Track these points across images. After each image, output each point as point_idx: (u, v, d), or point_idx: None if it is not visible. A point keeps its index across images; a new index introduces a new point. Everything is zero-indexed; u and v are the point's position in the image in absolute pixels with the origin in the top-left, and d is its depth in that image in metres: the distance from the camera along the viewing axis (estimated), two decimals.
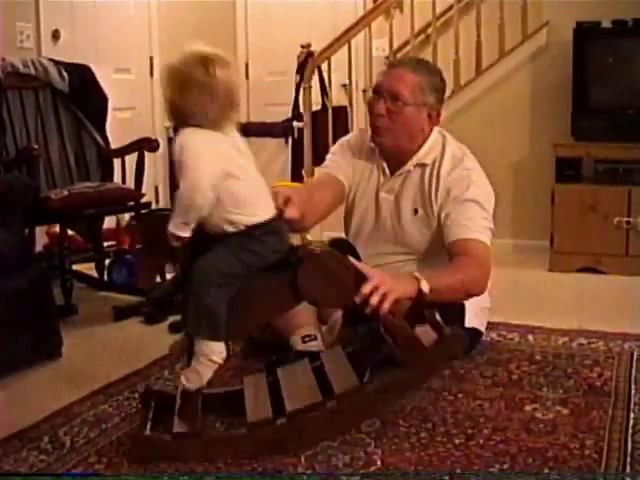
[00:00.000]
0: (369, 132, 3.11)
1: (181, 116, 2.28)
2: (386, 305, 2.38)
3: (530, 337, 3.42)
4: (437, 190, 2.98)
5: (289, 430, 2.36)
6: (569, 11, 5.09)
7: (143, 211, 2.41)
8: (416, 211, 3.03)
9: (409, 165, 3.04)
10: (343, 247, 2.56)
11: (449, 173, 2.98)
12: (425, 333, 2.58)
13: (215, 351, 2.31)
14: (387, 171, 3.09)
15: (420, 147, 3.02)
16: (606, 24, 4.92)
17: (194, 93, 2.24)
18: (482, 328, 3.18)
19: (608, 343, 3.32)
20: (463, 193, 2.92)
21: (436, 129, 3.06)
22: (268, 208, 2.39)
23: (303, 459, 2.29)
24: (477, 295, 2.85)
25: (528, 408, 2.65)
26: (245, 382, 2.60)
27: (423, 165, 3.03)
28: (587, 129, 4.91)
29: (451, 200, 2.94)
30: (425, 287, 2.52)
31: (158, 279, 4.23)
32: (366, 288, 2.37)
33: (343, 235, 3.27)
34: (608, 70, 5.00)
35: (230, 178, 2.29)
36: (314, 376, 2.55)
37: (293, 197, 2.60)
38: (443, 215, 2.94)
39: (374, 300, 2.37)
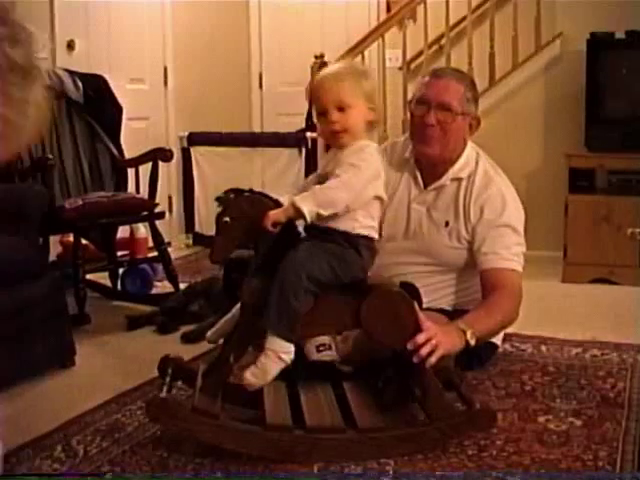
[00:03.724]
0: (403, 142, 3.13)
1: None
2: (433, 359, 2.40)
3: (543, 348, 3.42)
4: (469, 206, 2.99)
5: (303, 443, 2.37)
6: (583, 22, 5.10)
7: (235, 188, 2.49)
8: (447, 223, 3.03)
9: (445, 179, 3.04)
10: (410, 291, 2.58)
11: (483, 190, 2.99)
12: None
13: (286, 350, 2.34)
14: (421, 183, 3.09)
15: (458, 157, 3.03)
16: (620, 35, 4.92)
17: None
18: (498, 342, 3.17)
19: (621, 354, 3.31)
20: (498, 217, 2.94)
21: (469, 143, 3.08)
22: (378, 230, 2.55)
23: (316, 468, 2.30)
24: (511, 325, 2.95)
25: (541, 419, 2.65)
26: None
27: (459, 179, 3.03)
28: (600, 140, 4.91)
29: (485, 222, 2.95)
30: (472, 340, 2.58)
31: (172, 289, 4.27)
32: (420, 337, 2.39)
33: None
34: (621, 81, 5.01)
35: (380, 200, 2.51)
36: (336, 401, 2.56)
37: None
38: (478, 239, 2.95)
39: (424, 351, 2.38)
